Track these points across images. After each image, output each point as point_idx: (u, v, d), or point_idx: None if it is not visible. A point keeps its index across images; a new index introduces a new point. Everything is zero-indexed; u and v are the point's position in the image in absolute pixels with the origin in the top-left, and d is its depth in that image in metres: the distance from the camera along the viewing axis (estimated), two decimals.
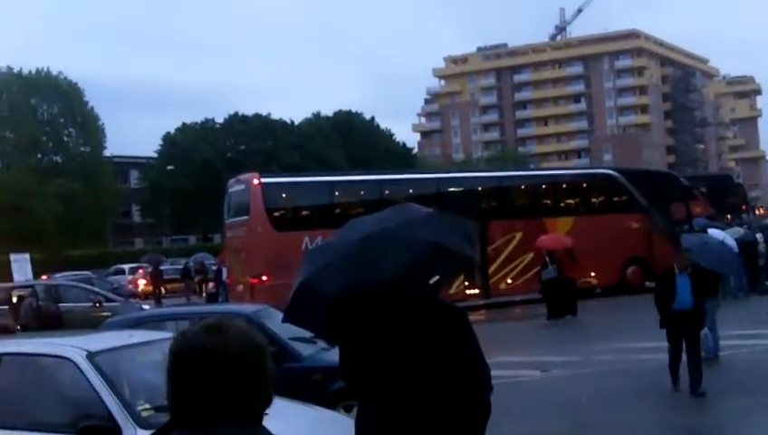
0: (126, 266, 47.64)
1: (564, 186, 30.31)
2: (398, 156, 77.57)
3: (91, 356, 5.89)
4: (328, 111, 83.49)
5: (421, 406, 3.98)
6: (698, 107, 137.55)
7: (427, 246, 4.18)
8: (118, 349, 6.45)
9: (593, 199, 29.65)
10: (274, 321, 9.37)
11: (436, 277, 4.22)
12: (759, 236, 27.34)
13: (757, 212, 59.69)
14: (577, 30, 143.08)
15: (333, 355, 9.18)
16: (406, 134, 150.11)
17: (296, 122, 77.56)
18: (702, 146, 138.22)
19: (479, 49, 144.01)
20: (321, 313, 4.18)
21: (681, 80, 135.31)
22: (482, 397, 4.18)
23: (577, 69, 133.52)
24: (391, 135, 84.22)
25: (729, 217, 38.92)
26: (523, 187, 29.83)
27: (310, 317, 4.31)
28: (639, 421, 10.49)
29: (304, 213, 25.96)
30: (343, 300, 4.06)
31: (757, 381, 12.10)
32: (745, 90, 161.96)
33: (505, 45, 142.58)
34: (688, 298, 11.22)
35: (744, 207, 47.26)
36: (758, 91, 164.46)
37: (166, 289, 39.33)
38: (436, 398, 3.99)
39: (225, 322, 2.21)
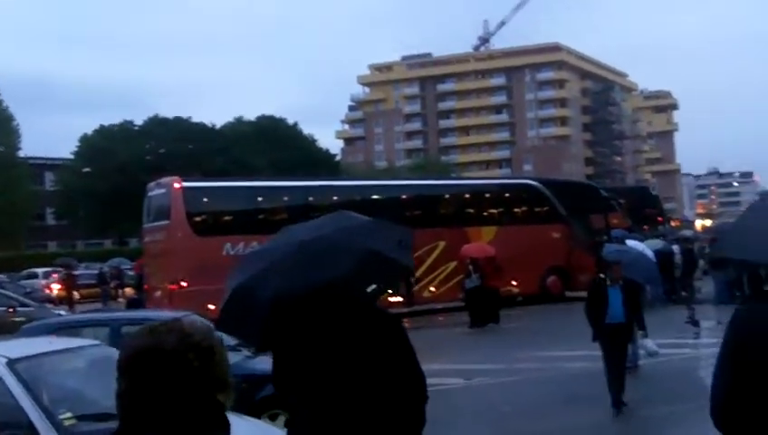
0: (40, 271, 46.32)
1: (487, 195, 30.60)
2: (321, 162, 77.41)
3: (11, 363, 5.70)
4: (251, 115, 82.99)
5: (357, 415, 3.92)
6: (617, 120, 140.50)
7: (364, 254, 4.11)
8: (39, 356, 6.23)
9: (516, 209, 29.98)
10: None
11: (374, 286, 4.14)
12: (676, 247, 28.01)
13: (672, 224, 61.07)
14: (500, 42, 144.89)
15: (259, 363, 9.07)
16: (329, 141, 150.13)
17: (218, 126, 76.84)
18: (619, 158, 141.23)
19: (404, 58, 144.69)
20: (256, 319, 4.07)
21: (600, 93, 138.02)
22: (418, 406, 4.14)
23: (499, 80, 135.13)
24: (314, 141, 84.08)
25: (646, 228, 39.77)
26: (447, 196, 29.98)
27: (244, 324, 4.17)
28: (562, 429, 10.59)
29: (226, 218, 25.64)
30: (279, 304, 3.96)
31: (678, 389, 12.33)
32: (662, 104, 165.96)
33: (430, 55, 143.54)
34: (620, 311, 10.98)
35: (660, 218, 48.32)
36: (675, 106, 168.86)
37: (81, 294, 38.28)
38: (372, 407, 3.93)
39: (177, 322, 2.14)
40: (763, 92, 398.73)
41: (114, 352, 6.56)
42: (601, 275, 11.60)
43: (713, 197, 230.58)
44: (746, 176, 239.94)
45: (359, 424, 3.89)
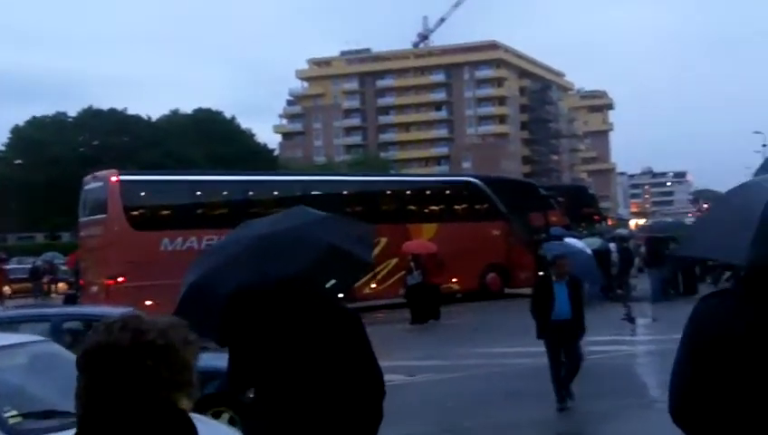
0: None
1: (429, 192, 30.63)
2: (259, 156, 76.95)
3: None
4: (187, 108, 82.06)
5: (315, 410, 3.90)
6: (554, 119, 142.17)
7: (324, 249, 4.09)
8: None
9: (456, 206, 30.09)
10: None
11: (333, 281, 4.11)
12: (612, 245, 28.44)
13: (608, 222, 62.08)
14: (440, 39, 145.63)
15: (205, 360, 8.96)
16: (267, 135, 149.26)
17: (154, 119, 75.87)
18: (556, 157, 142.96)
19: (343, 53, 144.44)
20: (215, 313, 4.01)
21: (538, 92, 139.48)
22: (376, 402, 4.15)
23: (439, 77, 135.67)
24: (252, 135, 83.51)
25: (584, 226, 40.38)
26: (388, 192, 29.97)
27: (201, 319, 4.10)
28: (505, 424, 10.68)
29: (164, 213, 25.24)
30: (238, 299, 3.91)
31: (617, 385, 12.51)
32: (598, 104, 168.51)
33: (369, 50, 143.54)
34: (567, 307, 10.83)
35: (597, 217, 49.12)
36: (610, 106, 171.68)
37: (12, 289, 37.41)
38: (330, 402, 3.92)
39: (133, 319, 2.07)
40: (697, 93, 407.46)
41: (58, 349, 6.41)
42: (547, 271, 11.61)
43: (646, 196, 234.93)
44: (680, 176, 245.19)
45: (316, 420, 3.87)
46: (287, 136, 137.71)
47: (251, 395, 4.11)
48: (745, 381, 2.92)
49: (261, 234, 4.18)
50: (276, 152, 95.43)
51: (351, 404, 3.98)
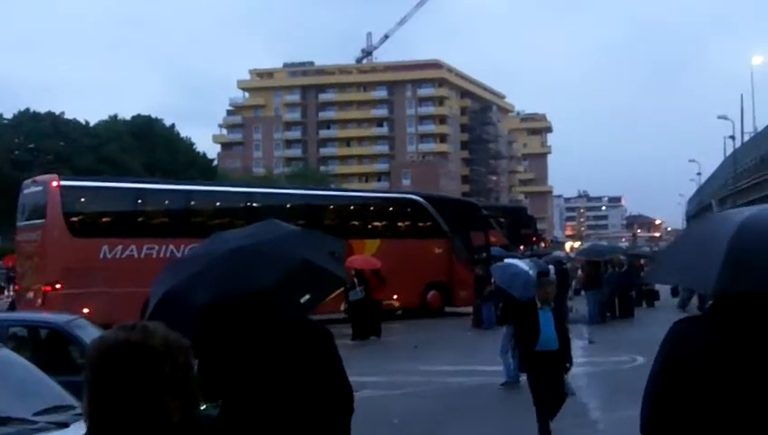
0: None
1: (372, 208, 30.68)
2: (197, 165, 76.18)
3: None
4: (126, 114, 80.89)
5: (283, 426, 3.88)
6: (493, 140, 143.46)
7: (297, 264, 4.07)
8: None
9: (399, 223, 30.16)
10: (87, 332, 8.92)
11: (307, 296, 4.09)
12: (551, 267, 28.77)
13: (543, 244, 62.85)
14: (383, 55, 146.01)
15: None
16: (206, 144, 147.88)
17: (92, 124, 74.66)
18: (495, 177, 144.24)
19: (286, 65, 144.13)
20: (186, 326, 3.96)
21: (479, 112, 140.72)
22: (344, 419, 4.15)
23: (381, 93, 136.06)
24: (192, 144, 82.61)
25: (523, 247, 40.81)
26: (332, 206, 29.93)
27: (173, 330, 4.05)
28: None
29: (105, 220, 24.84)
30: (209, 312, 3.87)
31: None
32: (537, 127, 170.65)
33: (312, 63, 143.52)
34: (553, 336, 9.59)
35: (534, 238, 49.70)
36: (549, 129, 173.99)
37: None
38: (298, 418, 3.90)
39: (144, 323, 2.13)
40: (634, 120, 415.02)
41: (8, 353, 6.26)
42: (531, 297, 10.30)
43: (582, 219, 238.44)
44: (615, 200, 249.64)
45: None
46: (226, 146, 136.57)
47: (215, 411, 4.07)
48: (714, 403, 3.01)
49: (233, 247, 4.14)
50: (215, 162, 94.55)
51: (320, 420, 3.97)
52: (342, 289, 24.73)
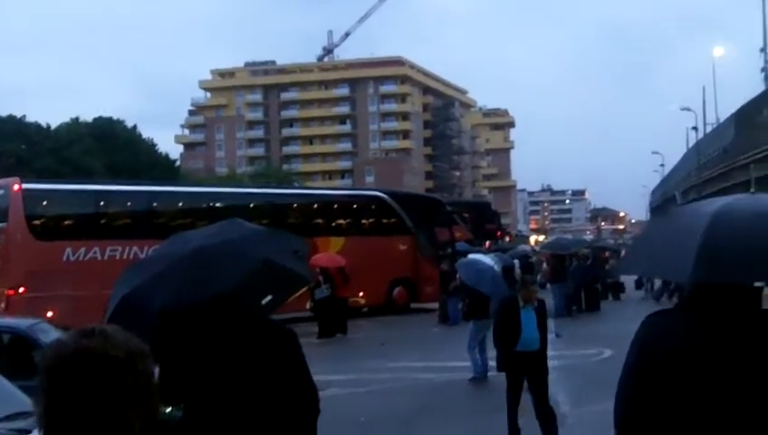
0: None
1: (336, 206, 30.58)
2: (160, 166, 75.66)
3: None
4: (88, 117, 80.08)
5: (246, 429, 3.83)
6: (456, 136, 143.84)
7: (261, 264, 4.01)
8: None
9: (364, 220, 30.10)
10: (50, 336, 8.80)
11: (270, 297, 4.02)
12: (516, 262, 28.91)
13: (507, 238, 63.14)
14: (345, 53, 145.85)
15: None
16: (169, 145, 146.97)
17: (53, 127, 73.90)
18: (458, 173, 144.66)
19: (247, 64, 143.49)
20: (147, 328, 3.87)
21: (441, 109, 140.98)
22: (309, 421, 4.09)
23: (343, 91, 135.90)
24: (154, 145, 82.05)
25: (488, 243, 40.94)
26: (296, 205, 29.77)
27: (134, 333, 3.96)
28: None
29: (67, 222, 24.56)
30: (171, 313, 3.80)
31: (525, 401, 12.60)
32: (500, 122, 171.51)
33: (274, 62, 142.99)
34: (535, 336, 9.34)
35: (499, 233, 49.87)
36: (512, 124, 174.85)
37: None
38: (262, 420, 3.85)
39: (103, 327, 2.04)
40: (596, 114, 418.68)
41: None
42: (513, 295, 10.04)
43: (546, 213, 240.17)
44: (578, 194, 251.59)
45: None
46: (189, 146, 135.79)
47: (180, 414, 3.99)
48: (689, 396, 2.99)
49: (194, 247, 4.06)
50: (178, 163, 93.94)
51: (284, 422, 3.92)
52: (307, 288, 24.67)
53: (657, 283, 32.42)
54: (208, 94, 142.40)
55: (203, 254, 3.98)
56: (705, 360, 2.98)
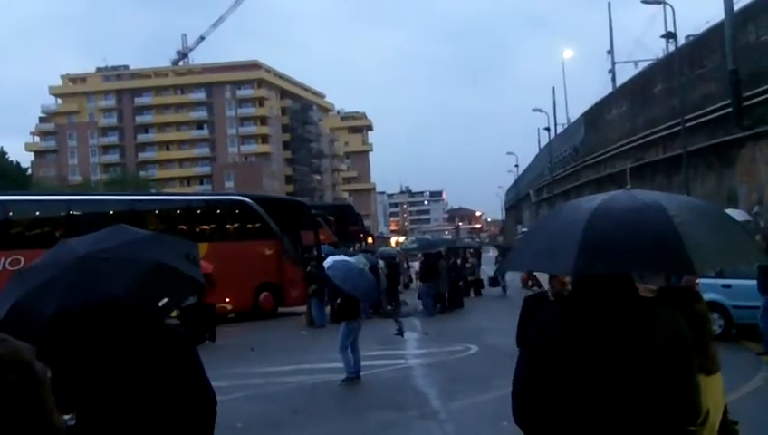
0: None
1: (199, 211, 30.13)
2: (10, 176, 72.85)
3: None
4: None
5: None
6: (315, 139, 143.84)
7: (153, 268, 3.99)
8: None
9: (228, 225, 29.84)
10: None
11: (165, 300, 4.02)
12: (381, 263, 29.25)
13: (369, 240, 63.66)
14: (200, 57, 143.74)
15: None
16: (19, 153, 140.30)
17: None
18: (318, 176, 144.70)
19: (99, 69, 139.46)
20: (36, 337, 3.81)
21: (299, 112, 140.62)
22: (206, 425, 4.10)
23: (200, 95, 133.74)
24: (4, 154, 78.98)
25: (357, 245, 41.24)
26: (157, 211, 29.18)
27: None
28: None
29: None
30: (61, 319, 3.75)
31: (398, 398, 12.86)
32: (358, 125, 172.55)
33: (127, 67, 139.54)
34: None
35: (363, 234, 50.21)
36: (370, 127, 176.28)
37: None
38: (159, 426, 3.83)
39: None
40: (453, 117, 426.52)
41: None
42: (537, 290, 9.76)
43: (405, 214, 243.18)
44: (436, 195, 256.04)
45: None
46: (40, 154, 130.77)
47: (72, 422, 3.95)
48: (571, 379, 3.20)
49: (82, 254, 4.00)
50: (29, 171, 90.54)
51: (180, 427, 3.92)
52: None
53: (511, 277, 33.99)
54: (59, 100, 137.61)
55: (92, 259, 3.94)
56: (576, 343, 3.21)
